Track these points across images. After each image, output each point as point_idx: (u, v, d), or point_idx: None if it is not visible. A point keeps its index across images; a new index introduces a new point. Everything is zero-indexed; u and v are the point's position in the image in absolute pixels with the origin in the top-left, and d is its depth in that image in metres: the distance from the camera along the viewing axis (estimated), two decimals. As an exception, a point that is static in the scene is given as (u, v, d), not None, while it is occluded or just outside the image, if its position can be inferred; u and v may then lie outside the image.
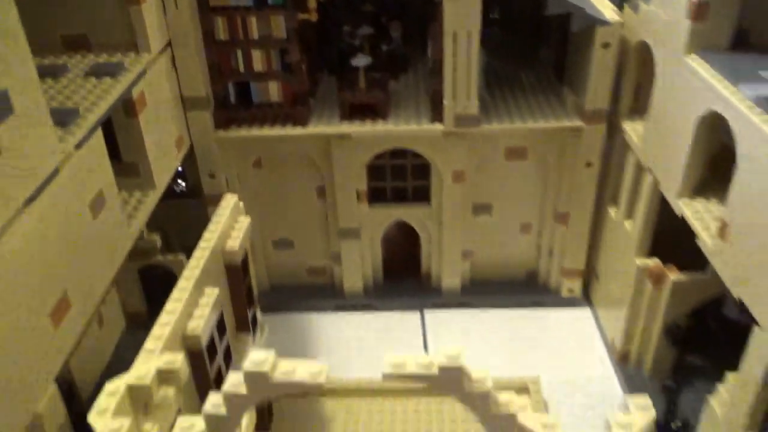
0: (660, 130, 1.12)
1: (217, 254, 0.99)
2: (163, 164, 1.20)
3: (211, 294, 0.90)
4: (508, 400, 0.62)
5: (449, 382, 0.59)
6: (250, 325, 1.07)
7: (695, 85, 0.98)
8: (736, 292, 0.88)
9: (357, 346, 1.49)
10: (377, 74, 1.40)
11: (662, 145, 1.11)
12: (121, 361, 1.45)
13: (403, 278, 1.62)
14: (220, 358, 0.92)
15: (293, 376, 0.59)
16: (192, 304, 0.87)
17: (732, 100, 0.88)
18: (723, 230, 0.91)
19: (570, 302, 1.56)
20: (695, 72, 0.98)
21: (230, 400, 0.60)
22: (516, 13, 1.63)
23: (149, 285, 1.52)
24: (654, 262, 1.23)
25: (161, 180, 1.18)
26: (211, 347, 0.88)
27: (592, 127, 1.32)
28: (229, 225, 1.04)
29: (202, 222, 1.48)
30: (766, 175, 0.80)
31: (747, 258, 0.85)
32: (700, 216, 1.01)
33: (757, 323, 0.84)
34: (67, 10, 1.13)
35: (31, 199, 0.77)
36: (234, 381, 0.61)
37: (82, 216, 0.89)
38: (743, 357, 0.88)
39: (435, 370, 0.59)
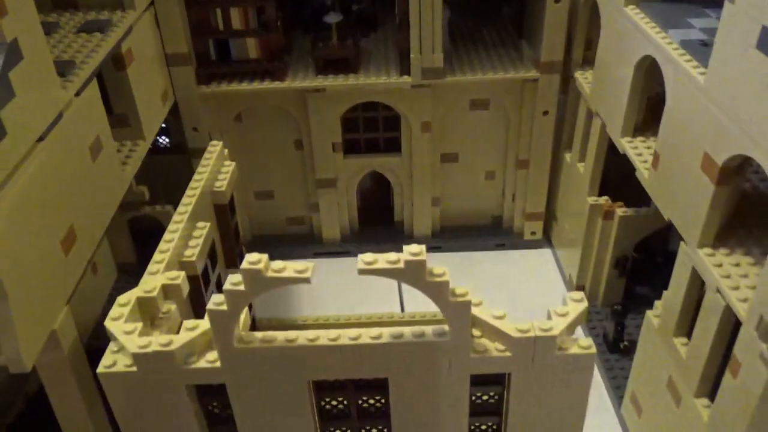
0: (605, 77, 1.24)
1: (206, 195, 1.09)
2: (151, 116, 1.28)
3: (203, 227, 1.00)
4: (464, 291, 0.73)
5: (413, 273, 0.71)
6: (238, 261, 1.18)
7: (633, 33, 1.09)
8: (667, 215, 1.01)
9: (335, 289, 1.61)
10: (349, 30, 1.50)
11: (607, 90, 1.23)
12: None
13: (378, 226, 1.73)
14: (212, 286, 1.03)
15: (283, 272, 0.69)
16: (187, 236, 0.97)
17: (661, 43, 0.99)
18: (655, 161, 1.03)
19: (532, 244, 1.69)
20: (633, 21, 1.09)
21: (230, 296, 0.70)
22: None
23: (138, 236, 1.61)
24: (604, 200, 1.36)
25: (150, 130, 1.27)
26: (205, 275, 0.99)
27: (547, 77, 1.44)
28: (216, 169, 1.14)
29: (187, 176, 1.57)
30: (688, 107, 0.92)
31: (674, 182, 0.98)
32: (639, 152, 1.13)
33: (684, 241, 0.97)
34: (54, -30, 1.20)
35: (40, 138, 0.86)
36: (233, 280, 0.71)
37: (83, 158, 0.98)
38: (673, 273, 1.01)
39: (401, 264, 0.70)
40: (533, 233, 1.68)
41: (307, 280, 0.68)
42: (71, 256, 0.92)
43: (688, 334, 1.00)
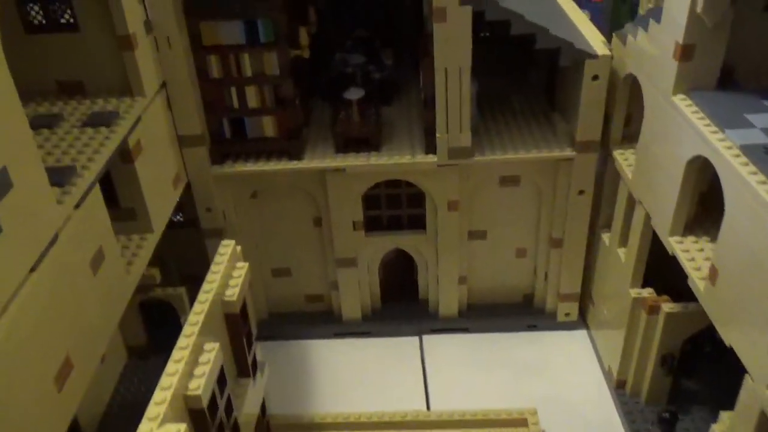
0: (650, 166, 1.14)
1: (217, 304, 1.01)
2: (161, 206, 1.21)
3: (211, 350, 0.91)
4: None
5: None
6: (250, 370, 1.09)
7: (683, 128, 0.99)
8: (728, 338, 0.90)
9: (356, 374, 1.51)
10: (370, 104, 1.41)
11: (652, 181, 1.13)
12: (123, 394, 1.47)
13: (401, 303, 1.64)
14: (221, 410, 0.93)
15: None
16: (193, 363, 0.88)
17: (719, 147, 0.89)
18: (713, 275, 0.93)
19: (566, 326, 1.58)
20: (683, 114, 0.99)
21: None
22: (505, 32, 1.64)
23: (150, 315, 1.54)
24: (648, 293, 1.25)
25: (159, 222, 1.20)
26: (213, 403, 0.90)
27: (583, 157, 1.34)
28: (227, 273, 1.05)
29: (201, 251, 1.51)
30: (752, 227, 0.82)
31: (736, 307, 0.87)
32: (691, 256, 1.03)
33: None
34: (62, 56, 1.14)
35: (32, 269, 0.78)
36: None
37: (83, 275, 0.90)
38: (737, 402, 0.90)
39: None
40: (567, 314, 1.57)
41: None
42: (66, 389, 0.84)
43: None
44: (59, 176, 0.91)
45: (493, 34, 1.64)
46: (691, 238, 1.07)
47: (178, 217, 1.57)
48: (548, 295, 1.57)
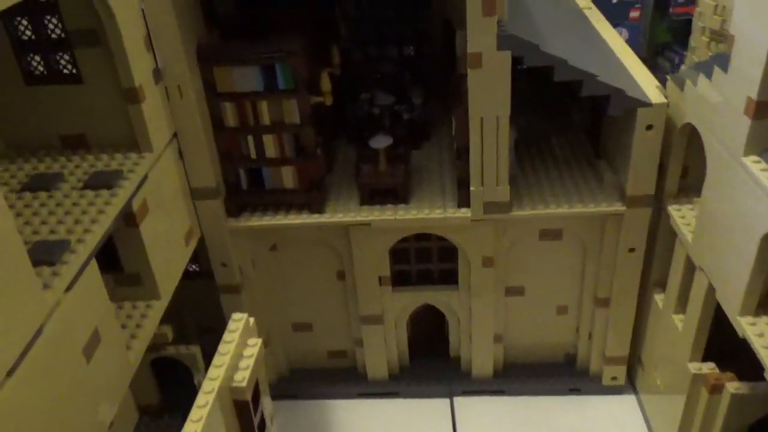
0: (714, 232, 1.00)
1: (225, 390, 0.90)
2: (170, 269, 1.12)
3: (215, 451, 0.81)
4: None
5: None
6: (262, 458, 0.98)
7: (758, 196, 0.86)
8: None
9: (383, 439, 1.40)
10: (398, 150, 1.30)
11: (717, 250, 0.99)
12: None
13: (431, 361, 1.52)
14: None
15: None
16: (193, 465, 0.78)
17: (807, 227, 0.76)
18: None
19: (613, 390, 1.44)
20: (757, 180, 0.86)
21: None
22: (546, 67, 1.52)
23: (162, 373, 1.45)
24: (710, 369, 1.10)
25: (167, 287, 1.10)
26: None
27: (635, 212, 1.21)
28: (237, 353, 0.95)
29: (218, 303, 1.41)
30: None
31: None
32: (766, 342, 0.89)
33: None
34: (64, 109, 1.05)
35: (9, 373, 0.68)
36: None
37: (73, 366, 0.81)
38: None
39: None
40: (614, 378, 1.43)
41: None
42: (49, 500, 0.74)
43: None
44: (50, 253, 0.82)
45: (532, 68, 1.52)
46: (765, 319, 0.93)
47: (193, 266, 1.48)
48: (593, 357, 1.43)
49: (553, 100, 1.52)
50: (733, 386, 1.06)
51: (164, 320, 1.25)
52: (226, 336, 0.96)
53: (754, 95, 0.85)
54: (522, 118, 1.41)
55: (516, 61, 1.08)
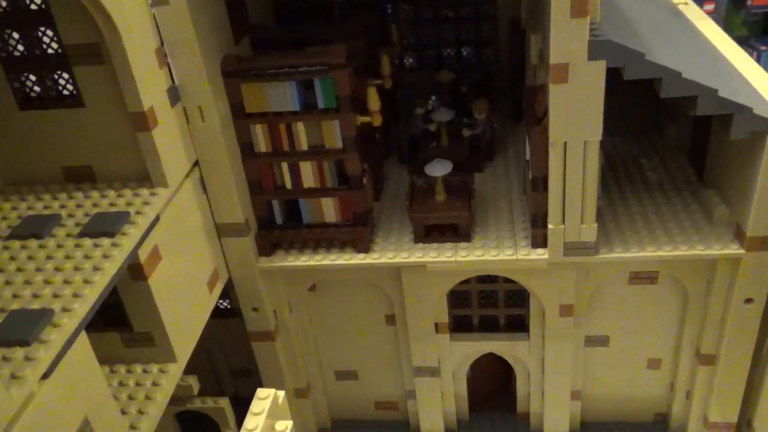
0: None
1: (246, 490, 0.72)
2: (189, 326, 0.94)
3: None
4: None
5: None
6: None
7: None
8: None
9: None
10: (459, 176, 1.10)
11: None
12: None
13: (495, 416, 1.31)
14: None
15: None
16: None
17: None
18: None
19: (716, 460, 1.20)
20: None
21: None
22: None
23: (190, 426, 1.29)
24: None
25: (185, 347, 0.93)
26: None
27: (756, 256, 0.97)
28: (262, 442, 0.76)
29: (250, 342, 1.24)
30: None
31: None
32: None
33: None
34: (66, 137, 0.89)
35: None
36: None
37: (50, 475, 0.64)
38: None
39: None
40: (718, 447, 1.20)
41: None
42: None
43: None
44: (26, 329, 0.65)
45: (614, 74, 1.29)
46: None
47: (224, 303, 1.31)
48: (691, 420, 1.20)
49: (642, 114, 1.29)
50: None
51: (192, 363, 1.08)
52: (249, 421, 0.78)
53: None
54: (604, 135, 1.19)
55: (610, 73, 0.86)
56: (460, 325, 1.19)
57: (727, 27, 2.29)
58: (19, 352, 0.63)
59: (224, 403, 1.21)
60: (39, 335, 0.65)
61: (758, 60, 2.21)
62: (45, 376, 0.64)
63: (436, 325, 1.16)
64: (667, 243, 1.00)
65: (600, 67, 0.84)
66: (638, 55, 0.82)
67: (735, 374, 1.10)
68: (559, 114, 0.89)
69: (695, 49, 1.03)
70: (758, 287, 1.00)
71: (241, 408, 0.87)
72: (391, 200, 1.20)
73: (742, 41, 2.26)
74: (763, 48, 2.35)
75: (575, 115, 0.88)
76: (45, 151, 0.90)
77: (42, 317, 0.67)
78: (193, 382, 1.18)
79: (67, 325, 0.67)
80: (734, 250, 0.98)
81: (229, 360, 1.38)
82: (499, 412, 1.31)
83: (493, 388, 1.33)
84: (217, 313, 1.31)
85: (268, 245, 1.09)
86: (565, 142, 0.91)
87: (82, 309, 0.69)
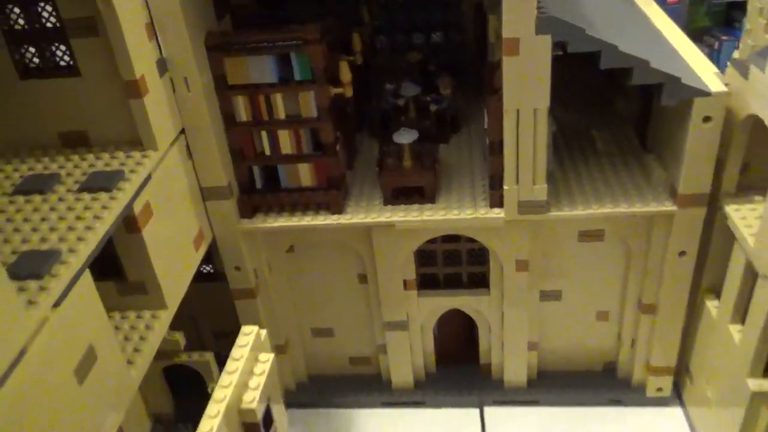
0: (785, 238, 0.89)
1: (233, 412, 0.82)
2: (177, 277, 1.04)
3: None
4: None
5: None
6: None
7: (844, 200, 0.74)
8: None
9: (407, 453, 1.31)
10: (424, 145, 1.20)
11: (788, 257, 0.88)
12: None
13: (459, 368, 1.42)
14: None
15: None
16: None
17: None
18: None
19: (657, 402, 1.33)
20: (843, 182, 0.74)
21: None
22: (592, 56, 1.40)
23: (176, 380, 1.38)
24: (772, 387, 0.99)
25: (174, 296, 1.02)
26: None
27: (687, 212, 1.09)
28: (247, 369, 0.86)
29: (233, 305, 1.33)
30: None
31: None
32: None
33: None
34: (62, 105, 0.97)
35: (-16, 404, 0.61)
36: None
37: (62, 389, 0.73)
38: None
39: None
40: (659, 390, 1.32)
41: None
42: None
43: None
44: (38, 265, 0.74)
45: (568, 53, 1.40)
46: None
47: (207, 268, 1.40)
48: (635, 366, 1.32)
49: (594, 89, 1.40)
50: (800, 410, 0.95)
51: (177, 325, 1.17)
52: (235, 352, 0.87)
53: (838, 83, 0.74)
54: (559, 109, 1.30)
55: (555, 47, 0.96)
56: (426, 283, 1.29)
57: (691, 18, 2.37)
58: (33, 284, 0.72)
59: (209, 356, 1.30)
60: (50, 270, 0.74)
61: (720, 49, 2.28)
62: (56, 304, 0.72)
63: (405, 282, 1.26)
64: (610, 202, 1.12)
65: (546, 41, 0.95)
66: (579, 30, 0.93)
67: (672, 321, 1.22)
68: (512, 84, 0.99)
69: (636, 27, 1.14)
70: (690, 241, 1.12)
71: (224, 366, 0.95)
72: (363, 169, 1.29)
73: (704, 31, 2.36)
74: (724, 38, 2.46)
75: (526, 84, 0.99)
76: (43, 117, 0.98)
77: (51, 256, 0.76)
78: (180, 338, 1.27)
79: (73, 263, 0.76)
80: (668, 207, 1.09)
81: (212, 322, 1.47)
82: (464, 365, 1.42)
83: (458, 345, 1.43)
84: (200, 277, 1.41)
85: (249, 208, 1.18)
86: (518, 110, 1.01)
87: (86, 249, 0.78)
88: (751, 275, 1.00)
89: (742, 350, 1.04)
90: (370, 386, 1.42)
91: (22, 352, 0.66)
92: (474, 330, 1.38)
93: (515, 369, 1.35)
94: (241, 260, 1.22)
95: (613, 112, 1.38)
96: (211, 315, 1.44)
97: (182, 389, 1.37)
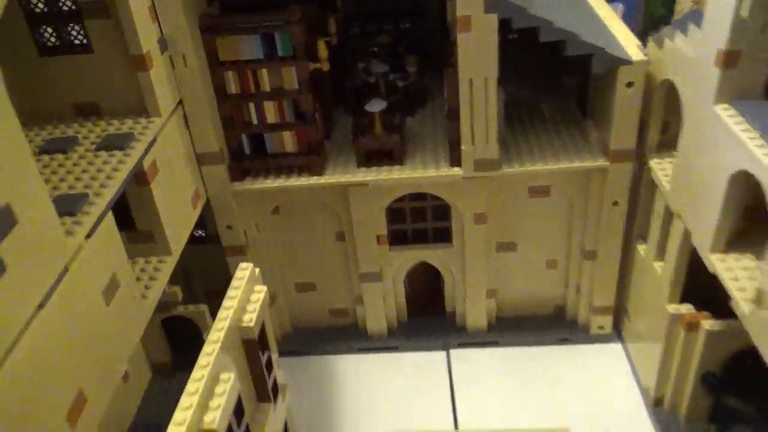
0: (689, 179, 1.07)
1: (233, 330, 0.98)
2: (179, 227, 1.19)
3: (227, 380, 0.88)
4: None
5: None
6: (271, 395, 1.06)
7: (726, 140, 0.93)
8: (776, 368, 0.83)
9: (382, 390, 1.47)
10: (393, 116, 1.37)
11: (692, 195, 1.06)
12: (148, 411, 1.45)
13: (428, 317, 1.59)
14: (240, 439, 0.91)
15: None
16: (208, 394, 0.85)
17: (765, 163, 0.83)
18: (760, 298, 0.86)
19: (600, 339, 1.52)
20: (726, 126, 0.93)
21: None
22: (536, 34, 1.58)
23: (173, 332, 1.52)
24: (686, 309, 1.18)
25: (177, 243, 1.17)
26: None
27: (617, 167, 1.27)
28: (244, 298, 1.02)
29: (224, 266, 1.49)
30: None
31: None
32: (734, 276, 0.96)
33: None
34: (76, 78, 1.11)
35: (41, 305, 0.76)
36: None
37: (95, 307, 0.88)
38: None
39: None
40: (601, 328, 1.51)
41: None
42: (80, 425, 0.81)
43: None
44: (71, 205, 0.89)
45: (523, 36, 1.58)
46: (733, 256, 1.00)
47: (200, 232, 1.55)
48: (581, 308, 1.51)
49: (544, 68, 1.58)
50: (708, 323, 1.14)
51: (174, 283, 1.32)
52: (234, 283, 1.03)
53: (723, 45, 0.92)
54: (514, 85, 1.47)
55: (505, 22, 1.13)
56: (397, 238, 1.46)
57: (648, 7, 2.53)
58: (68, 220, 0.87)
59: (203, 308, 1.45)
60: (81, 209, 0.89)
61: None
62: (88, 236, 0.87)
63: (378, 237, 1.42)
64: (553, 160, 1.30)
65: (493, 19, 1.12)
66: (520, 9, 1.10)
67: (609, 265, 1.41)
68: (465, 56, 1.16)
69: (573, 8, 1.32)
70: (621, 192, 1.31)
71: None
72: (340, 140, 1.45)
73: (662, 20, 2.52)
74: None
75: (477, 56, 1.16)
76: (58, 90, 1.12)
77: (81, 198, 0.91)
78: (178, 291, 1.43)
79: (99, 204, 0.91)
80: (602, 162, 1.28)
81: (204, 281, 1.61)
82: (432, 314, 1.59)
83: (426, 298, 1.60)
84: (193, 240, 1.56)
85: (239, 172, 1.33)
86: (471, 79, 1.19)
87: (108, 194, 0.93)
88: (668, 216, 1.19)
89: (662, 281, 1.23)
90: (348, 335, 1.58)
91: (65, 269, 0.81)
92: (440, 284, 1.55)
93: (477, 314, 1.53)
94: (233, 219, 1.37)
95: (560, 87, 1.56)
96: (203, 275, 1.59)
97: (179, 343, 1.53)
